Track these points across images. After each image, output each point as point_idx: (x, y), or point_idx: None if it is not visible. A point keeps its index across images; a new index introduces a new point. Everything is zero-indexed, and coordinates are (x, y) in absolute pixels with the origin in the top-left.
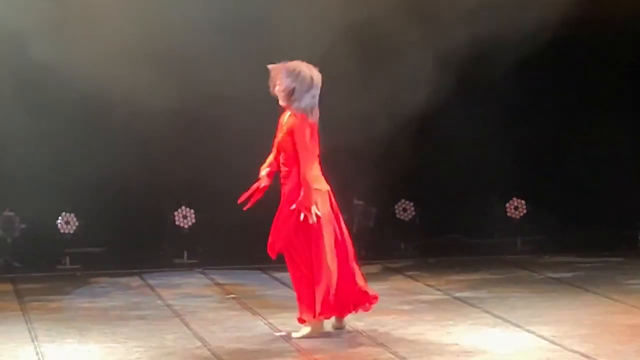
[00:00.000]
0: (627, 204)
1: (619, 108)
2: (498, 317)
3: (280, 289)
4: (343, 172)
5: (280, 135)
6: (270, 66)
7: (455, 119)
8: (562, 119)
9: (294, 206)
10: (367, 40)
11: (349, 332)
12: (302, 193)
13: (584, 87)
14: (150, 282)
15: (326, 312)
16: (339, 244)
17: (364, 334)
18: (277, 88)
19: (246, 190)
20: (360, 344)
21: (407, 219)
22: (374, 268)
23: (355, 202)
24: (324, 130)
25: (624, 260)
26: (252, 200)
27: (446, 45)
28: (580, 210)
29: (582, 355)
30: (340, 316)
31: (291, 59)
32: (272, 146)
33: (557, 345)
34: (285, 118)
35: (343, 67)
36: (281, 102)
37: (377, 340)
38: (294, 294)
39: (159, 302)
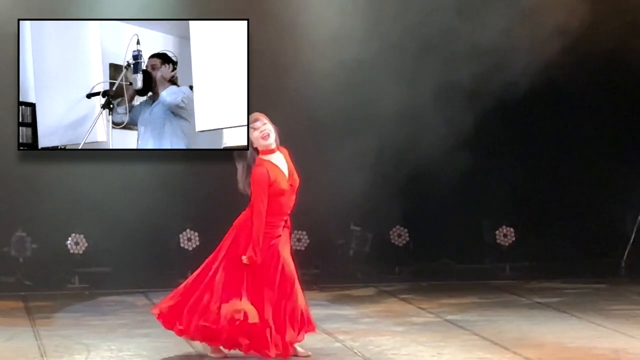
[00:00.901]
0: (610, 234)
1: (606, 145)
2: (487, 339)
3: None
4: (341, 200)
5: (294, 176)
6: (260, 115)
7: (448, 152)
8: (550, 155)
9: None
10: (362, 78)
11: (344, 352)
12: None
13: (573, 122)
14: (156, 301)
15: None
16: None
17: (359, 353)
18: (271, 133)
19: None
20: None
21: (401, 245)
22: (369, 291)
23: (353, 227)
24: (327, 161)
25: (607, 287)
26: None
27: (443, 81)
28: (566, 239)
29: None
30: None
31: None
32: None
33: None
34: (282, 159)
35: (343, 101)
36: (272, 145)
37: None
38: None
39: None
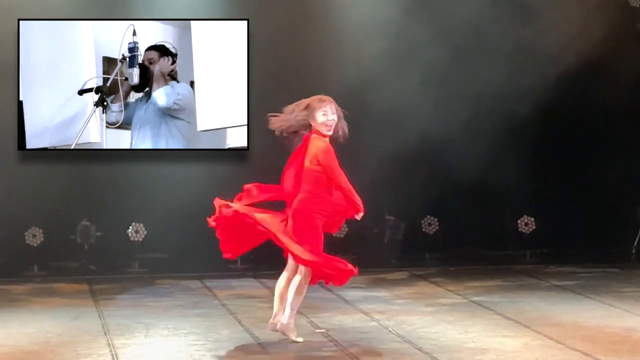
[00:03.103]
0: (622, 223)
1: (618, 142)
2: (509, 318)
3: (321, 291)
4: (377, 192)
5: None
6: (332, 102)
7: (474, 149)
8: (566, 151)
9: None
10: (369, 74)
11: (379, 330)
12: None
13: (588, 121)
14: (208, 284)
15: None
16: None
17: (392, 331)
18: (336, 120)
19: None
20: (390, 341)
21: (431, 233)
22: (402, 274)
23: (387, 217)
24: (364, 158)
25: (619, 271)
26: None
27: (468, 78)
28: (582, 228)
29: (582, 353)
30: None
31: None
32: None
33: (561, 344)
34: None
35: (375, 99)
36: (331, 133)
37: (404, 338)
38: (334, 296)
39: (216, 301)
